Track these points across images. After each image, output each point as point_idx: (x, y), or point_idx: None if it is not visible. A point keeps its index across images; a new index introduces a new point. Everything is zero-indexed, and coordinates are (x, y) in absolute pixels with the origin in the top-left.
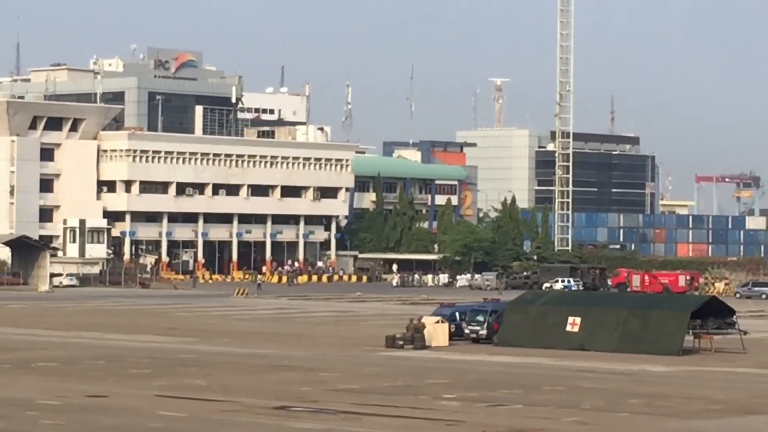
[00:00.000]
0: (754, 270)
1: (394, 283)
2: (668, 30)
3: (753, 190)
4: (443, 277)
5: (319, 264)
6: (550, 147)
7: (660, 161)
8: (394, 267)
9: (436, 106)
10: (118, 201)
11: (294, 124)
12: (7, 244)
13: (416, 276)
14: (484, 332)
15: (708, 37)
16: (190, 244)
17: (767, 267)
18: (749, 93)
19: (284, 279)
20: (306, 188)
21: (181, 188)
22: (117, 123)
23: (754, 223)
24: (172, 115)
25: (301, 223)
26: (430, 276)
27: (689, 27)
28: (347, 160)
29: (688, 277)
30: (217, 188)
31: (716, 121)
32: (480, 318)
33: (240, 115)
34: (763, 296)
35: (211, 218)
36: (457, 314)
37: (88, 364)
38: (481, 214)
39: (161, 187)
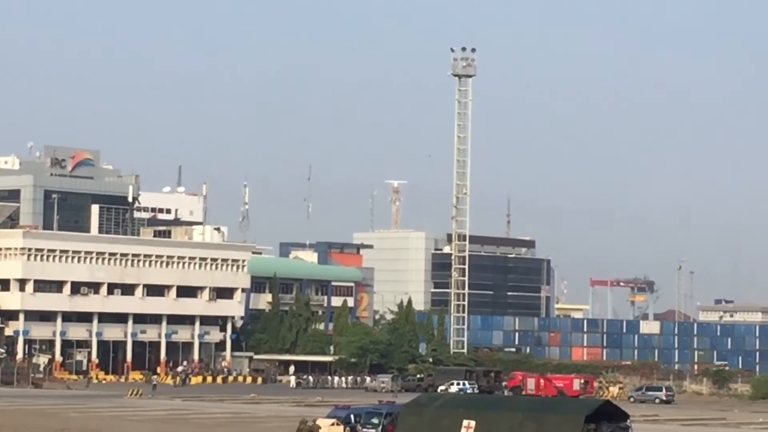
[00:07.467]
0: (647, 374)
1: (292, 385)
2: (565, 135)
3: (647, 295)
4: (342, 379)
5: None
6: (447, 249)
7: (555, 265)
8: (291, 368)
9: (333, 208)
10: (11, 300)
11: (191, 223)
12: None
13: (309, 378)
14: None
15: (602, 143)
16: (84, 344)
17: (661, 371)
18: (643, 199)
19: (178, 379)
20: (202, 288)
21: (76, 287)
22: (12, 221)
23: (648, 327)
24: (68, 214)
25: (197, 324)
26: (335, 377)
27: (583, 132)
28: (243, 261)
29: (582, 381)
30: (112, 288)
31: (611, 227)
32: (375, 420)
33: (136, 215)
34: (657, 400)
35: (105, 318)
36: (352, 416)
37: None
38: (377, 316)
39: (56, 285)
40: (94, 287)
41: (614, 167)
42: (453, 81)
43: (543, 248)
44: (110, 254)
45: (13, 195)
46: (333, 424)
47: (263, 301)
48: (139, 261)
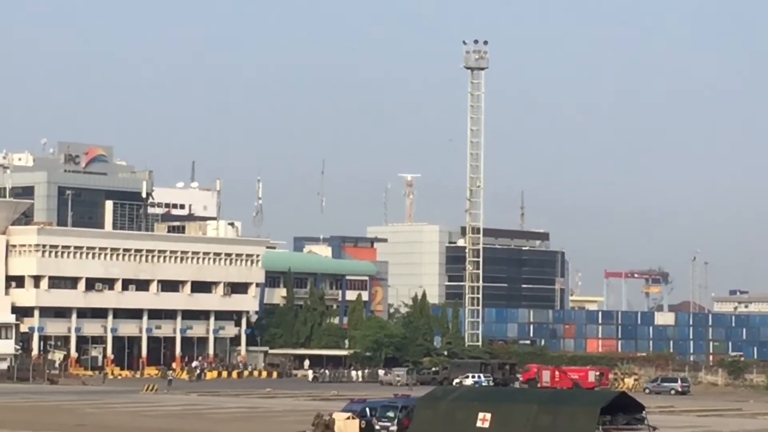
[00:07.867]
0: (662, 365)
1: (309, 379)
2: (577, 127)
3: (662, 286)
4: (360, 373)
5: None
6: (461, 243)
7: (570, 257)
8: (306, 363)
9: (346, 202)
10: (26, 296)
11: (204, 219)
12: None
13: (326, 371)
14: (394, 428)
15: (616, 135)
16: (99, 340)
17: (676, 362)
18: (657, 190)
19: (193, 375)
20: (216, 283)
21: (91, 283)
22: (26, 218)
23: (662, 318)
24: (81, 210)
25: (212, 319)
26: (353, 371)
27: (596, 123)
28: (258, 256)
29: (597, 373)
30: (126, 283)
31: (625, 218)
32: (390, 414)
33: (150, 210)
34: (672, 392)
35: (120, 314)
36: (367, 410)
37: None
38: (391, 310)
39: (70, 282)
40: (109, 283)
41: (628, 159)
42: (465, 74)
43: (557, 240)
44: (124, 250)
45: (27, 192)
46: (349, 418)
47: (278, 295)
48: (153, 257)
